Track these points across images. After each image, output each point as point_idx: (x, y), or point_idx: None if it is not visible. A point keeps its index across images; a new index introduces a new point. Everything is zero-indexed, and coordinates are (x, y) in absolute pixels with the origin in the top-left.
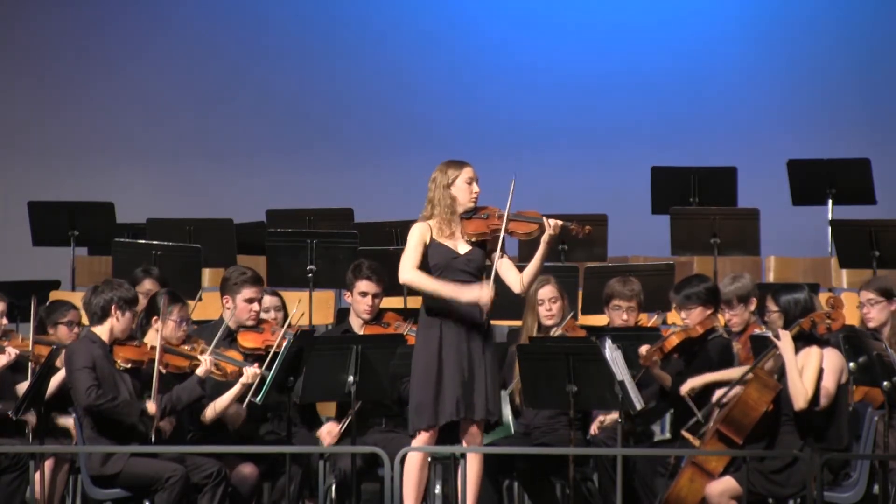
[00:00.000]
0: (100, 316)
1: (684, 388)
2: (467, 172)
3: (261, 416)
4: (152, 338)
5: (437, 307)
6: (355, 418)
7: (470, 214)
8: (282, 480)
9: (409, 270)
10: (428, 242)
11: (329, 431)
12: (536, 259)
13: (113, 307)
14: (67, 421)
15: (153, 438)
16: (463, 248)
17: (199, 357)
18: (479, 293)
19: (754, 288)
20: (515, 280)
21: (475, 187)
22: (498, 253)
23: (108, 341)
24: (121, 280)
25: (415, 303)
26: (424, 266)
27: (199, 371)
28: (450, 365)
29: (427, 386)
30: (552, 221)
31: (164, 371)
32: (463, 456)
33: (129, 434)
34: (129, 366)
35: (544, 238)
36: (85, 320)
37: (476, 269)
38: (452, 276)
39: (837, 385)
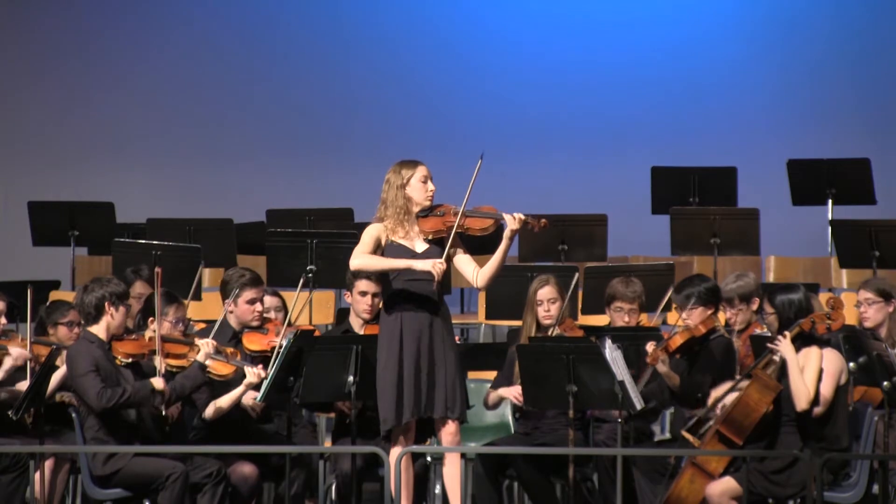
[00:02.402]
0: (94, 315)
1: (710, 403)
2: (421, 171)
3: (263, 416)
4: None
5: (396, 304)
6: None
7: (426, 213)
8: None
9: (357, 256)
10: (384, 244)
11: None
12: (498, 254)
13: (106, 304)
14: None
15: (164, 412)
16: (420, 246)
17: (197, 342)
18: (433, 263)
19: (757, 287)
20: (472, 275)
21: (430, 185)
22: (448, 250)
23: (106, 339)
24: (109, 276)
25: None
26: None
27: (200, 356)
28: (409, 364)
29: (390, 385)
30: (515, 215)
31: (165, 363)
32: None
33: (131, 433)
34: (129, 360)
35: (506, 233)
36: None
37: None
38: (411, 276)
39: (835, 389)
